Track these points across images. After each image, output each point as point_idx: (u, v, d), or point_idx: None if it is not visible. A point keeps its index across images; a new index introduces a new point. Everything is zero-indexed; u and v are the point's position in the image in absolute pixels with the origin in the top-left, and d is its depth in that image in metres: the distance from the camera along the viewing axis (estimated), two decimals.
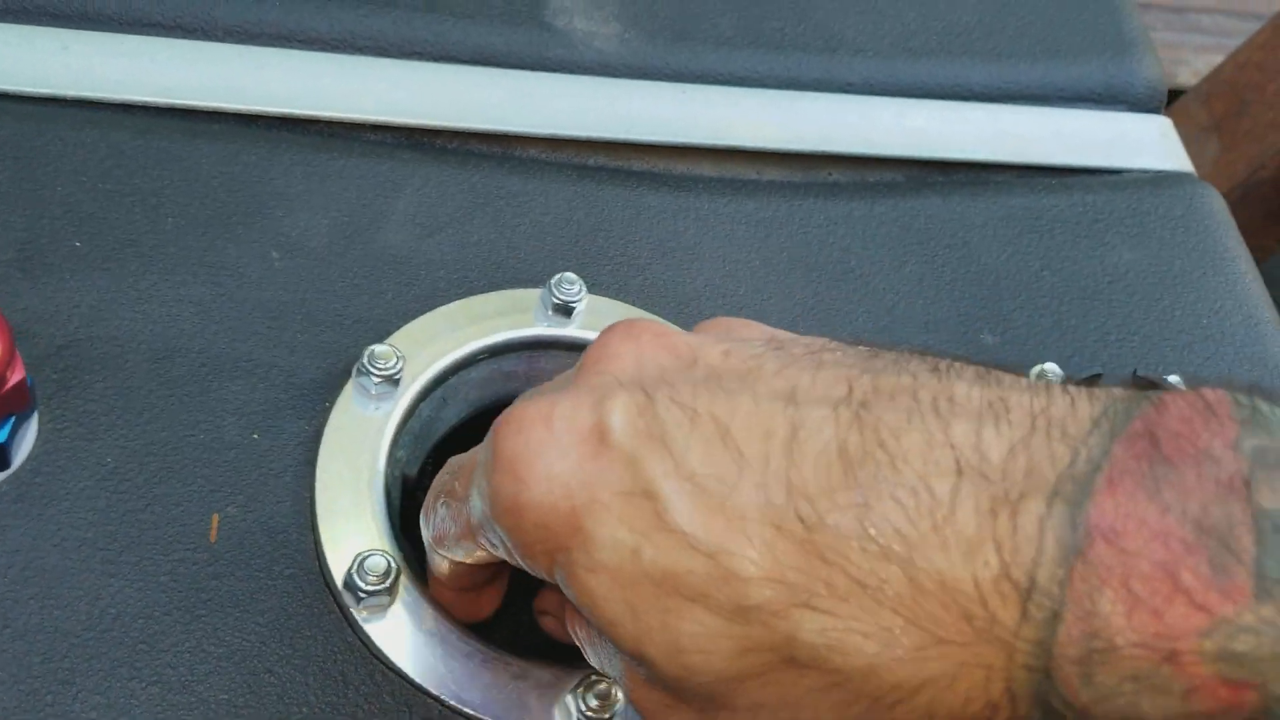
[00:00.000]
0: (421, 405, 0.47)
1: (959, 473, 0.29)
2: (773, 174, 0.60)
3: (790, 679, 0.30)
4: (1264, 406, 0.28)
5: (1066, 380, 0.50)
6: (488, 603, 0.42)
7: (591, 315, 0.51)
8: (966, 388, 0.31)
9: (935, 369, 0.32)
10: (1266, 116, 1.28)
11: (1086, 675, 0.27)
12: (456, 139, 0.56)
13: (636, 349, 0.35)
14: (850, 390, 0.31)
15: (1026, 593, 0.28)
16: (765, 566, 0.30)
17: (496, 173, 0.55)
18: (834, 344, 0.36)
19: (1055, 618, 0.27)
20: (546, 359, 0.50)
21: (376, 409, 0.45)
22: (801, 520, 0.30)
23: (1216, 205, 0.60)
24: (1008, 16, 0.66)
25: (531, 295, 0.51)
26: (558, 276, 0.50)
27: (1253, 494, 0.26)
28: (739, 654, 0.31)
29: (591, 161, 0.58)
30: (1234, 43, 1.42)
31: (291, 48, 0.56)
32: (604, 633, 0.33)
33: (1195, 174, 0.63)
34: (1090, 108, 0.64)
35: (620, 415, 0.33)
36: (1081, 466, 0.28)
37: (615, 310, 0.51)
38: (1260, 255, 1.40)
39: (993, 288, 0.56)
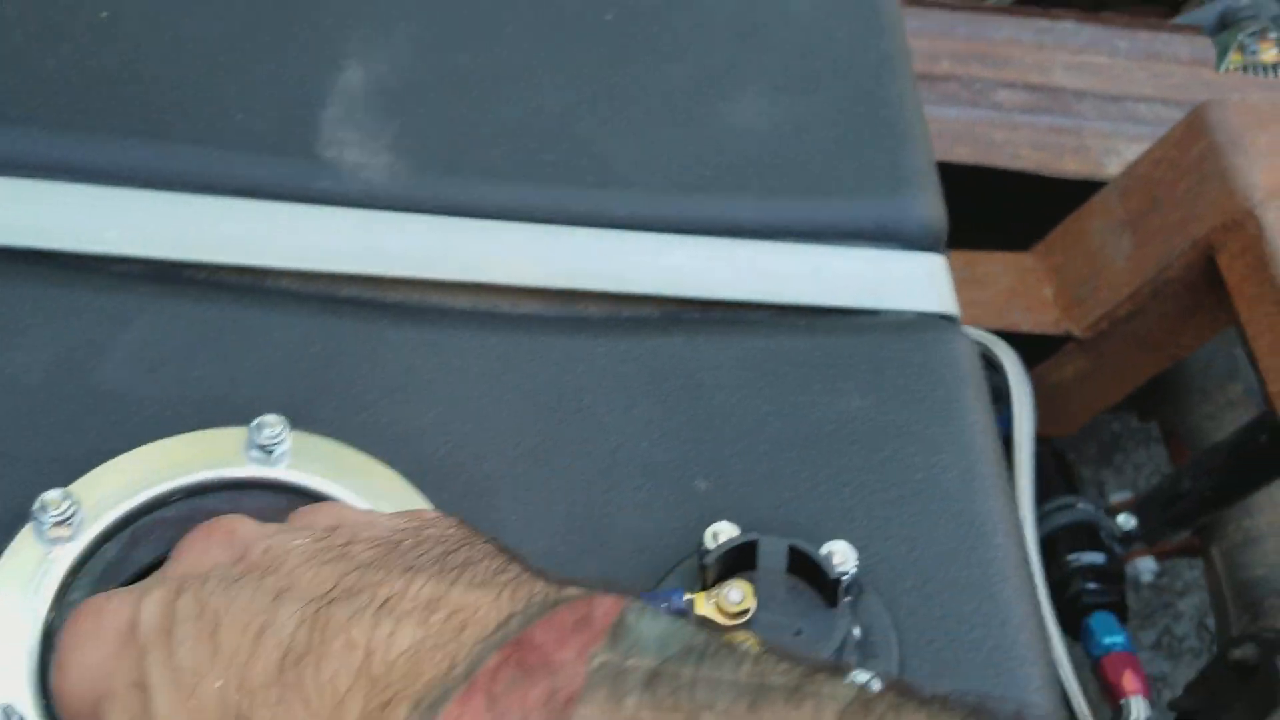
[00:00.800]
0: (106, 546, 0.49)
1: (359, 673, 0.32)
2: (530, 307, 0.62)
3: None
4: (639, 623, 0.30)
5: (714, 544, 0.50)
6: None
7: (300, 455, 0.52)
8: (421, 584, 0.34)
9: (409, 568, 0.34)
10: (1175, 216, 1.29)
11: None
12: (206, 270, 0.58)
13: (204, 545, 0.39)
14: (333, 587, 0.34)
15: None
16: None
17: (235, 306, 0.57)
18: (399, 535, 0.38)
19: None
20: (249, 499, 0.52)
21: (50, 551, 0.47)
22: (238, 716, 0.32)
23: (962, 351, 0.61)
24: (786, 152, 0.67)
25: (241, 433, 0.52)
26: (258, 420, 0.51)
27: (577, 709, 0.28)
28: None
29: (345, 293, 0.60)
30: None
31: (52, 180, 0.58)
32: None
33: (957, 316, 0.64)
34: (862, 245, 0.65)
35: (150, 610, 0.36)
36: (456, 673, 0.31)
37: (323, 449, 0.53)
38: (1180, 352, 1.40)
39: (718, 432, 0.58)
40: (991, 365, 1.28)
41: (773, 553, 0.49)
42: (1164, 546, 1.42)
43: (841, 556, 0.49)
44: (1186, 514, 1.35)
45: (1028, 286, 1.41)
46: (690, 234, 0.64)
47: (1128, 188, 1.35)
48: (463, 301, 0.61)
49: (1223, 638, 1.35)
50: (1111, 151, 1.52)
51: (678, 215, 0.65)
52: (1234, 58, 1.74)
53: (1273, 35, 1.75)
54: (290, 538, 0.37)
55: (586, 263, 0.62)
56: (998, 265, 1.42)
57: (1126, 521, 1.21)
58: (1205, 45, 1.67)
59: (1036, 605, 0.53)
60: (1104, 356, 1.39)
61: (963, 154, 1.44)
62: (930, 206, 0.66)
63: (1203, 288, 1.29)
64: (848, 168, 0.67)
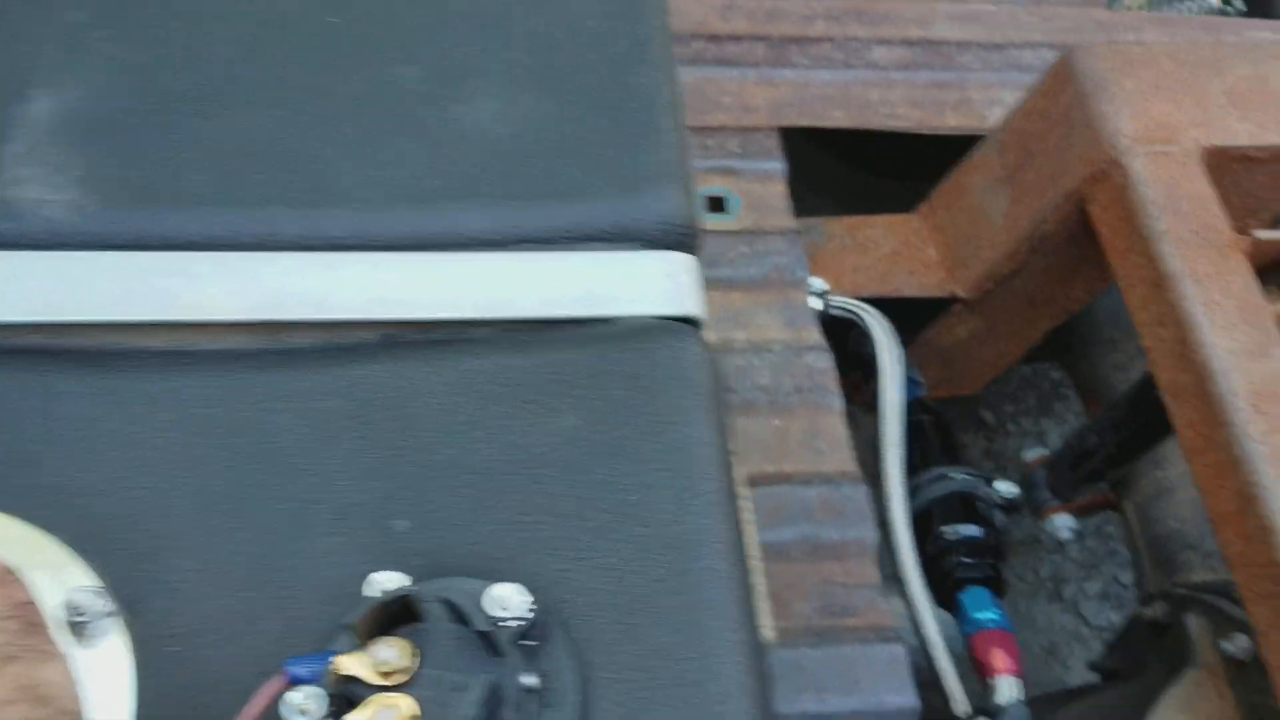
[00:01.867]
0: None
1: None
2: (232, 342, 0.58)
3: None
4: None
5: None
6: None
7: None
8: None
9: None
10: (1048, 169, 1.24)
11: None
12: None
13: None
14: None
15: None
16: None
17: None
18: None
19: None
20: None
21: None
22: None
23: (694, 358, 0.57)
24: (522, 155, 0.63)
25: None
26: None
27: None
28: None
29: (26, 341, 0.56)
30: None
31: None
32: None
33: (699, 318, 0.61)
34: (599, 249, 0.62)
35: None
36: None
37: None
38: (1072, 305, 1.36)
39: (423, 465, 0.54)
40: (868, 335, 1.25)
41: (432, 604, 0.46)
42: (1080, 503, 1.39)
43: (506, 602, 0.45)
44: (1096, 470, 1.32)
45: (912, 249, 1.37)
46: (412, 250, 0.60)
47: (1004, 142, 1.31)
48: (157, 342, 0.57)
49: (1140, 594, 1.33)
50: (996, 103, 1.47)
51: (400, 231, 0.61)
52: None
53: None
54: None
55: (295, 290, 0.58)
56: (880, 229, 1.38)
57: (1008, 489, 1.17)
58: None
59: (748, 630, 0.50)
60: (994, 315, 1.35)
61: (839, 118, 1.39)
62: (673, 203, 0.62)
63: (1083, 241, 1.25)
64: (587, 167, 0.63)
